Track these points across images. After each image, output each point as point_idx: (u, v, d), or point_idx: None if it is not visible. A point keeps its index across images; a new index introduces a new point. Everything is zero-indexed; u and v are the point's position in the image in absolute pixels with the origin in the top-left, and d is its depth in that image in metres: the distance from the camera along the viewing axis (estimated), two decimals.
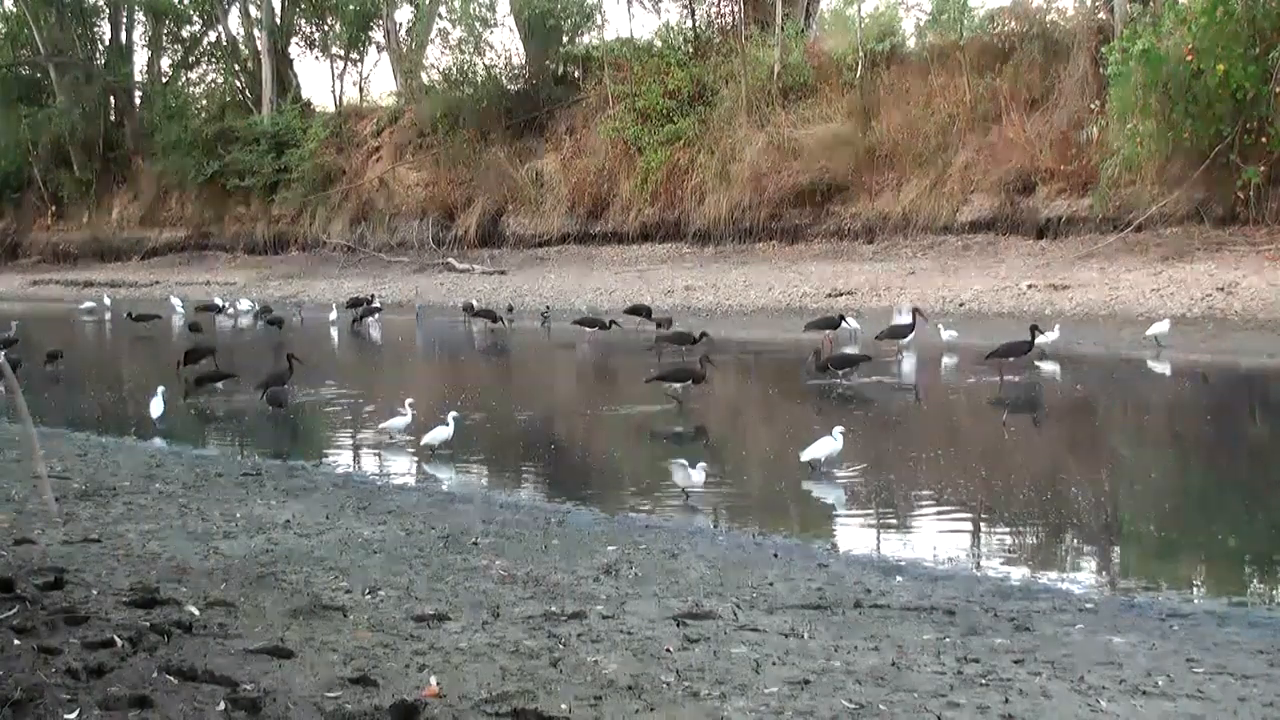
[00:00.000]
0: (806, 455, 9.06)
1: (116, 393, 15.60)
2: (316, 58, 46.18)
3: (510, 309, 23.78)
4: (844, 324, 18.28)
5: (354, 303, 25.86)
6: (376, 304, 25.31)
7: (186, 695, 3.88)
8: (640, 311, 20.95)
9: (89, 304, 30.79)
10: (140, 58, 47.76)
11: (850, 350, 16.29)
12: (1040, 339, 14.67)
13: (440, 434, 10.28)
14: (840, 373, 14.10)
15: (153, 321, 24.58)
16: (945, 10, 28.22)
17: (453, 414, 10.49)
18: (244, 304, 28.11)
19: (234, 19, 44.46)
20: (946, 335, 16.97)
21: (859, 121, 27.65)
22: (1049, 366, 15.06)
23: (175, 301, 29.72)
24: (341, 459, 10.93)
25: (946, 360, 16.14)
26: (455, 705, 3.97)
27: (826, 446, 9.03)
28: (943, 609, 5.58)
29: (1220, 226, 21.42)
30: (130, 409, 13.73)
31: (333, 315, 24.99)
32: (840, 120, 28.01)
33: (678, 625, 5.14)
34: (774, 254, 27.56)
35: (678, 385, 12.82)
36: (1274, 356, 14.92)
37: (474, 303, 24.73)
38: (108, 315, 29.28)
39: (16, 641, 4.31)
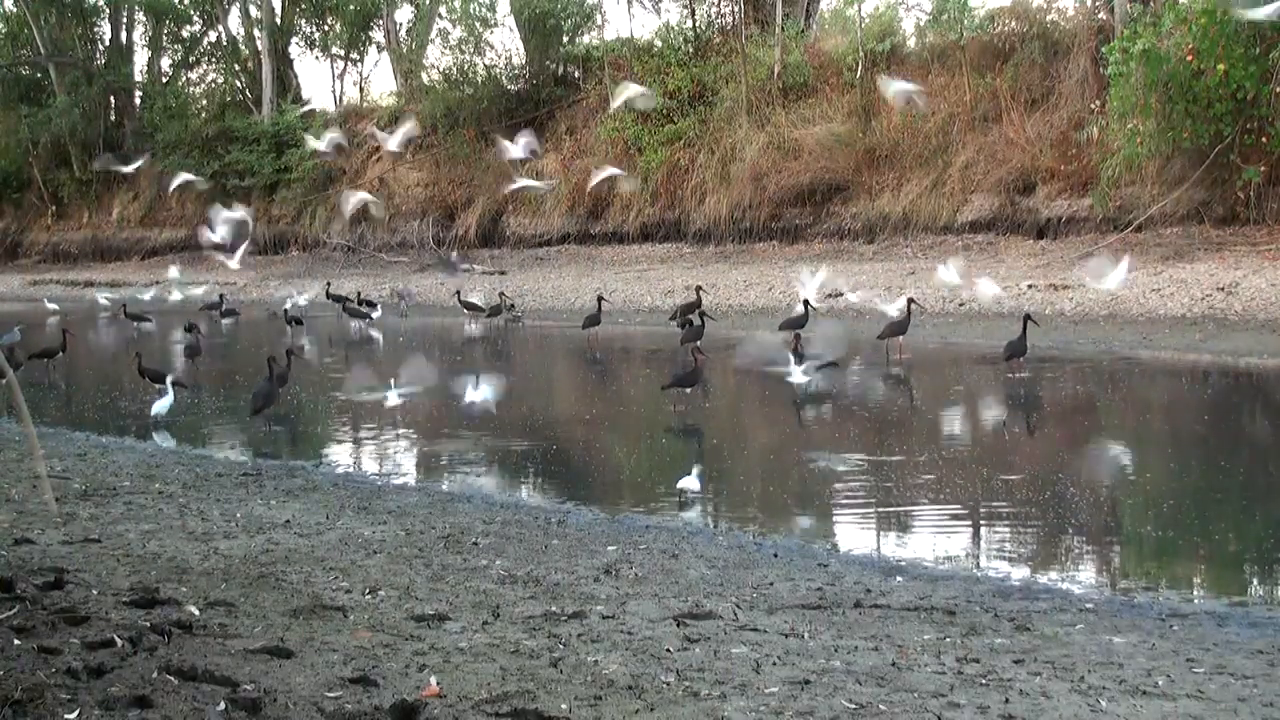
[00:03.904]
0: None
1: (107, 394, 15.60)
2: (316, 58, 46.27)
3: (512, 306, 23.75)
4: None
5: (336, 299, 25.59)
6: (370, 309, 24.80)
7: (186, 695, 3.88)
8: (690, 310, 20.24)
9: (53, 305, 29.57)
10: (140, 58, 47.85)
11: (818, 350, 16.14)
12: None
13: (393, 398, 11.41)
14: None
15: (143, 323, 24.23)
16: (945, 10, 28.23)
17: (397, 388, 11.20)
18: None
19: (234, 19, 44.54)
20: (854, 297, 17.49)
21: (859, 121, 27.67)
22: (1051, 367, 15.06)
23: (102, 299, 29.08)
24: (341, 459, 10.94)
25: (943, 359, 16.15)
26: (455, 705, 3.97)
27: None
28: (943, 609, 5.58)
29: (1220, 226, 21.44)
30: (123, 409, 13.73)
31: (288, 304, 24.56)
32: (840, 120, 28.04)
33: (678, 625, 5.14)
34: (774, 254, 27.57)
35: (688, 389, 12.91)
36: (1274, 356, 14.92)
37: (475, 300, 24.60)
38: (105, 314, 29.10)
39: (16, 641, 4.31)
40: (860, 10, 31.02)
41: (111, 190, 44.51)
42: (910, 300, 17.03)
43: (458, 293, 25.29)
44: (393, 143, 22.85)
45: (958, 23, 27.67)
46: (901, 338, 16.34)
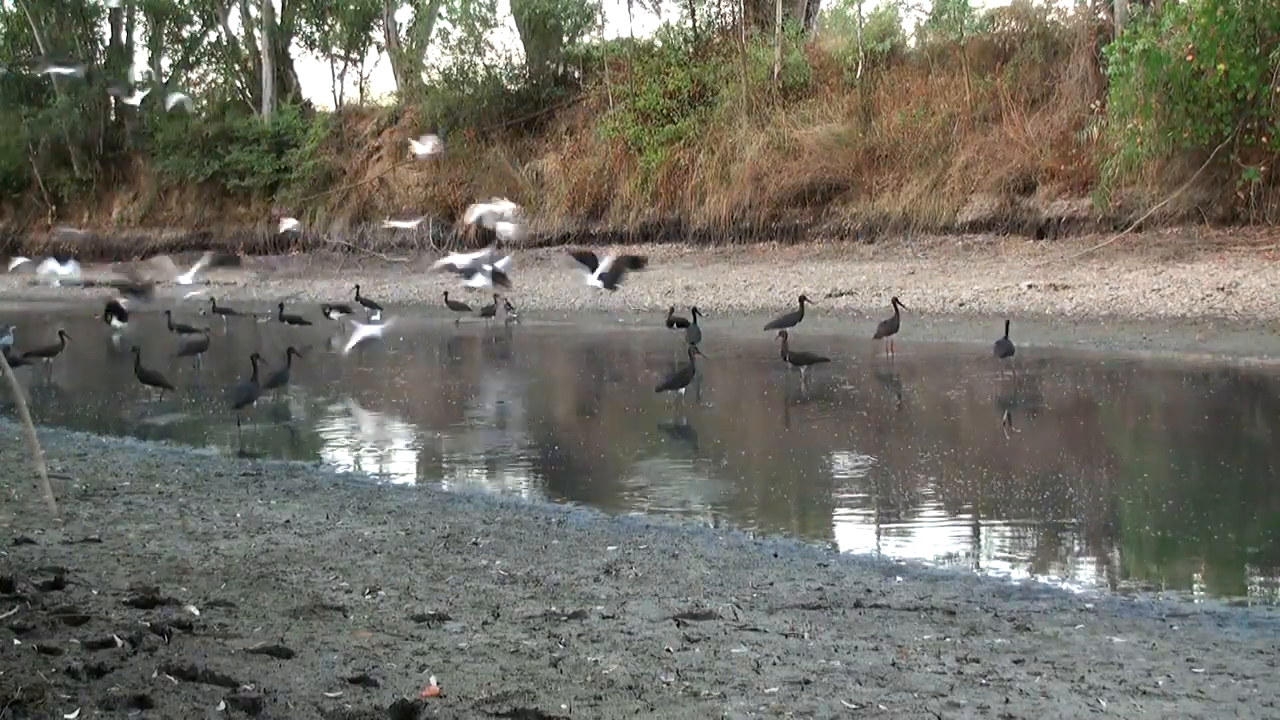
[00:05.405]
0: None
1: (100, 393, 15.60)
2: (316, 58, 46.29)
3: (509, 305, 23.70)
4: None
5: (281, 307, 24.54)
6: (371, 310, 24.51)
7: (186, 695, 3.88)
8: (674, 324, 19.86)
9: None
10: (140, 58, 47.91)
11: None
12: None
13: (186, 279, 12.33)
14: (802, 370, 14.18)
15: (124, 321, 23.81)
16: (945, 10, 28.24)
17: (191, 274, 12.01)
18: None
19: (234, 19, 44.56)
20: None
21: (859, 121, 27.69)
22: (1051, 367, 15.06)
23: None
24: (341, 459, 10.93)
25: (943, 358, 16.15)
26: (455, 705, 3.97)
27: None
28: (943, 609, 5.58)
29: (1220, 226, 21.45)
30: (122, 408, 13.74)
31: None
32: (840, 120, 28.06)
33: (678, 625, 5.14)
34: (774, 254, 27.57)
35: (683, 390, 12.91)
36: (1274, 356, 14.92)
37: (462, 299, 24.33)
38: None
39: (16, 641, 4.31)
40: (860, 10, 31.05)
41: (111, 190, 44.54)
42: (895, 300, 17.18)
43: (445, 293, 25.19)
44: (421, 150, 23.16)
45: (958, 23, 27.69)
46: (894, 336, 16.42)
